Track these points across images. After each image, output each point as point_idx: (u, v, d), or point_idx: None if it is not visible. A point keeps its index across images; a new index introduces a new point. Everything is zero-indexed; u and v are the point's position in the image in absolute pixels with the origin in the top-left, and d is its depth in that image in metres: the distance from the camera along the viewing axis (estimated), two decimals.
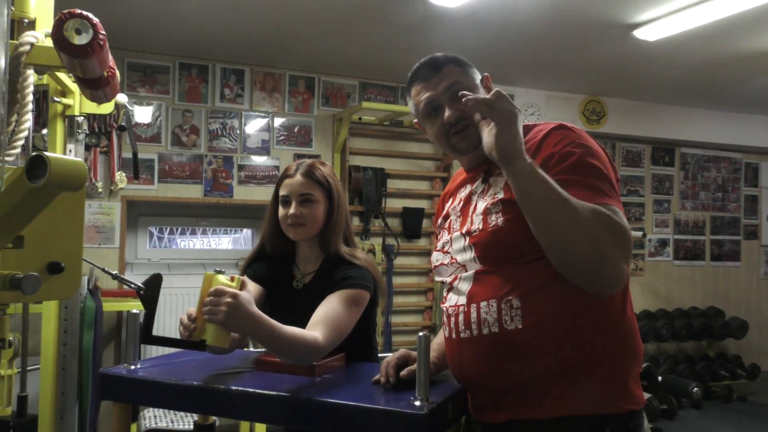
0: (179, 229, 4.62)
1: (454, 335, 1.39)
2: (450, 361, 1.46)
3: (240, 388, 1.41)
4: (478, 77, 1.47)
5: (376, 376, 1.48)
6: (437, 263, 1.49)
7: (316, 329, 1.51)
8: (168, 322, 4.05)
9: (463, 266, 1.39)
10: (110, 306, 3.70)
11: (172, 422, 3.32)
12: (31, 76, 1.69)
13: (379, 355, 1.85)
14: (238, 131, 4.55)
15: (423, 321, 5.03)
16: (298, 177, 1.76)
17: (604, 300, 1.28)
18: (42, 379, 2.38)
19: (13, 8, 1.65)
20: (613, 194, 1.28)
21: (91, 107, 2.30)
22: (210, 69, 4.48)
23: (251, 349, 2.21)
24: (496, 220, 1.32)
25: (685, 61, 4.42)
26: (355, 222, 4.74)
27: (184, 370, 1.59)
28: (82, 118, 2.34)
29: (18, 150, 1.63)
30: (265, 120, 4.64)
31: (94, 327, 3.13)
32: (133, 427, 3.27)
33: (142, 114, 4.29)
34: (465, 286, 1.38)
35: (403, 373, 1.43)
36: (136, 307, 2.13)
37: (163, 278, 1.50)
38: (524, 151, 1.24)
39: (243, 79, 4.58)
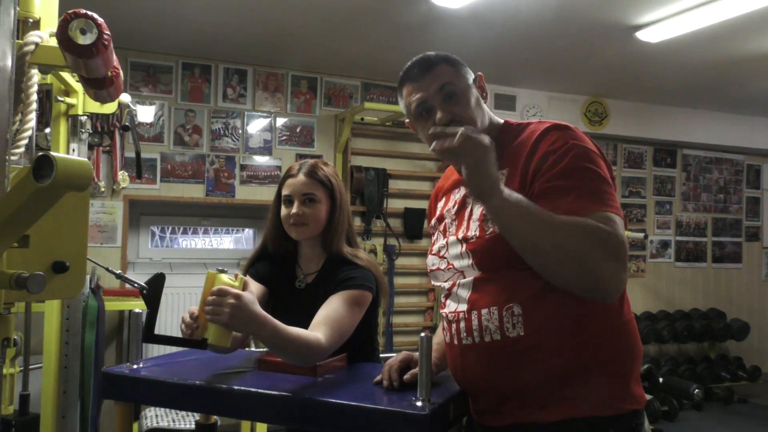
0: (181, 229, 4.63)
1: (455, 342, 1.39)
2: (451, 367, 1.45)
3: (242, 388, 1.41)
4: (471, 77, 1.44)
5: (378, 377, 1.48)
6: (433, 267, 1.48)
7: (318, 330, 1.52)
8: (169, 321, 4.05)
9: (461, 272, 1.39)
10: (112, 305, 3.71)
11: (174, 422, 3.33)
12: (36, 76, 1.69)
13: (381, 355, 1.85)
14: (240, 131, 4.55)
15: (424, 322, 5.03)
16: (301, 177, 1.76)
17: (603, 303, 1.28)
18: (44, 378, 2.38)
19: (18, 8, 1.65)
20: (608, 198, 1.26)
21: (95, 107, 2.30)
22: (213, 69, 4.49)
23: (253, 349, 2.21)
24: (494, 227, 1.30)
25: (688, 63, 4.42)
26: (357, 222, 4.74)
27: (186, 369, 1.59)
28: (86, 117, 2.35)
29: (22, 149, 1.63)
30: (268, 120, 4.65)
31: (96, 326, 3.13)
32: (135, 426, 3.28)
33: (145, 113, 4.30)
34: (464, 293, 1.37)
35: (407, 376, 1.43)
36: (138, 306, 2.14)
37: (165, 277, 1.51)
38: (499, 186, 1.22)
39: (245, 79, 4.58)
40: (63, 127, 2.31)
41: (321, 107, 4.80)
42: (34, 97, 1.66)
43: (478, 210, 1.36)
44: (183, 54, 4.38)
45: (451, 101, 1.37)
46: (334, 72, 4.81)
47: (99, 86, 1.69)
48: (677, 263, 6.17)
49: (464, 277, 1.38)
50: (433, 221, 1.57)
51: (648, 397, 4.29)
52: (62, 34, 1.45)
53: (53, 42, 1.62)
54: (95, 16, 1.48)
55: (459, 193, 1.47)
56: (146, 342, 1.43)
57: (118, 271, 1.51)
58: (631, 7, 3.47)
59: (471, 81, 1.43)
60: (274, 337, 1.40)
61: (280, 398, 1.37)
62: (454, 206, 1.47)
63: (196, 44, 4.20)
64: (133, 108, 2.63)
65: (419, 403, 1.28)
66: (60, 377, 2.36)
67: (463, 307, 1.36)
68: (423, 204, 5.02)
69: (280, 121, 4.68)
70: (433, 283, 1.52)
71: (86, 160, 1.08)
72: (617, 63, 4.48)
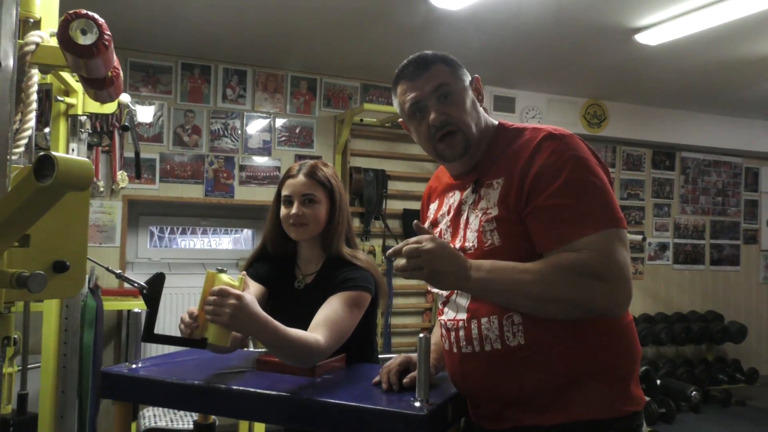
0: (180, 229, 4.63)
1: (455, 349, 1.38)
2: (451, 374, 1.45)
3: (240, 388, 1.41)
4: (467, 78, 1.42)
5: (377, 378, 1.49)
6: None
7: (317, 331, 1.52)
8: (168, 321, 4.05)
9: None
10: (111, 305, 3.71)
11: (172, 421, 3.33)
12: (36, 76, 1.69)
13: (380, 356, 1.85)
14: (239, 132, 4.56)
15: (423, 323, 5.04)
16: (301, 177, 1.77)
17: None
18: (42, 378, 2.39)
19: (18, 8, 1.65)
20: (604, 215, 1.25)
21: (94, 106, 2.30)
22: (212, 69, 4.49)
23: (252, 349, 2.22)
24: (492, 239, 1.30)
25: (687, 66, 4.43)
26: (356, 223, 4.74)
27: (185, 369, 1.60)
28: (85, 117, 2.35)
29: (21, 149, 1.64)
30: (267, 121, 4.65)
31: (94, 326, 3.13)
32: (133, 426, 3.27)
33: (144, 114, 4.30)
34: (463, 302, 1.37)
35: (406, 380, 1.44)
36: (136, 306, 2.14)
37: (165, 277, 1.51)
38: (465, 273, 1.23)
39: (245, 80, 4.59)
40: (63, 126, 2.31)
41: (320, 108, 4.80)
42: (35, 96, 1.66)
43: (475, 220, 1.35)
44: (183, 54, 4.38)
45: (446, 102, 1.36)
46: (333, 73, 4.81)
47: (99, 86, 1.69)
48: (675, 265, 6.18)
49: None
50: (426, 224, 1.55)
51: (646, 398, 4.29)
52: (63, 34, 1.46)
53: (54, 42, 1.62)
54: (96, 16, 1.49)
55: (453, 198, 1.45)
56: (146, 341, 1.43)
57: (119, 271, 1.51)
58: (631, 10, 3.48)
59: (467, 83, 1.41)
60: (273, 338, 1.40)
61: (279, 398, 1.38)
62: (449, 212, 1.45)
63: (195, 44, 4.21)
64: (133, 108, 2.63)
65: (417, 404, 1.29)
66: (58, 377, 2.36)
67: (463, 315, 1.36)
68: None
69: (280, 122, 4.68)
70: (430, 288, 1.50)
71: (87, 160, 1.08)
72: (616, 65, 4.49)
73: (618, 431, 1.28)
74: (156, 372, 1.54)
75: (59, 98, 2.27)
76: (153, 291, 1.46)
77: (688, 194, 6.26)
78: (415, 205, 4.98)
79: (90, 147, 3.88)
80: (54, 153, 0.97)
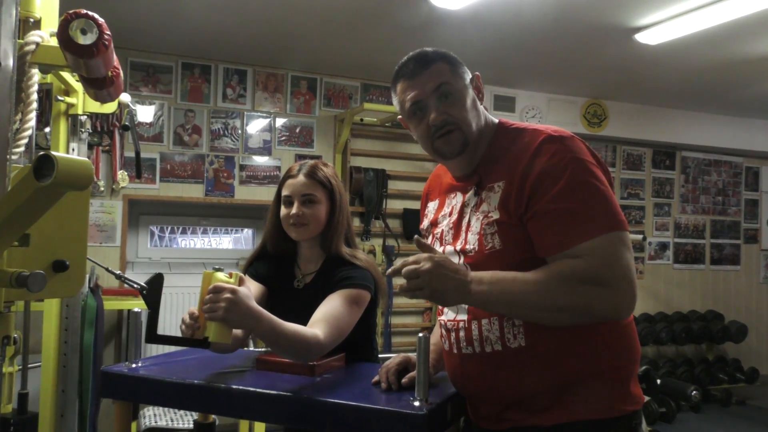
0: (180, 229, 4.63)
1: (455, 350, 1.38)
2: (450, 375, 1.45)
3: (240, 387, 1.42)
4: (468, 77, 1.40)
5: (376, 377, 1.49)
6: None
7: (316, 327, 1.52)
8: (169, 321, 4.06)
9: None
10: (111, 304, 3.71)
11: (172, 421, 3.33)
12: (36, 75, 1.69)
13: (380, 356, 1.86)
14: (239, 131, 4.56)
15: (422, 322, 5.04)
16: (301, 177, 1.77)
17: None
18: (43, 377, 2.39)
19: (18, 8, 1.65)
20: (605, 218, 1.25)
21: (95, 106, 2.31)
22: (212, 69, 4.50)
23: (252, 349, 2.22)
24: (493, 242, 1.30)
25: (687, 65, 4.43)
26: (356, 223, 4.74)
27: (185, 368, 1.60)
28: (86, 117, 2.35)
29: (22, 149, 1.64)
30: (267, 120, 4.65)
31: (94, 325, 3.13)
32: (133, 425, 3.28)
33: (145, 113, 4.30)
34: None
35: (405, 380, 1.44)
36: (136, 305, 2.14)
37: (164, 277, 1.51)
38: (466, 287, 1.23)
39: (245, 80, 4.59)
40: (63, 126, 2.31)
41: (320, 108, 4.80)
42: (35, 96, 1.66)
43: (476, 222, 1.34)
44: (183, 54, 4.38)
45: (446, 101, 1.35)
46: (333, 73, 4.81)
47: (99, 86, 1.70)
48: (675, 265, 6.17)
49: None
50: (425, 223, 1.55)
51: (645, 398, 4.29)
52: (63, 34, 1.46)
53: (54, 42, 1.62)
54: (96, 16, 1.49)
55: (456, 200, 1.44)
56: (149, 342, 1.44)
57: (118, 272, 1.52)
58: (631, 10, 3.48)
59: (468, 81, 1.40)
60: (271, 332, 1.41)
61: (279, 398, 1.38)
62: (450, 213, 1.44)
63: (196, 44, 4.21)
64: (133, 108, 2.63)
65: (417, 403, 1.29)
66: (59, 376, 2.37)
67: (463, 316, 1.35)
68: None
69: (280, 122, 4.68)
70: None
71: (87, 159, 1.08)
72: (616, 65, 4.49)
73: (617, 430, 1.28)
74: (156, 371, 1.54)
75: (59, 98, 2.27)
76: (153, 292, 1.46)
77: (688, 194, 6.26)
78: (415, 205, 4.97)
79: (90, 147, 3.89)
80: (54, 153, 0.97)
